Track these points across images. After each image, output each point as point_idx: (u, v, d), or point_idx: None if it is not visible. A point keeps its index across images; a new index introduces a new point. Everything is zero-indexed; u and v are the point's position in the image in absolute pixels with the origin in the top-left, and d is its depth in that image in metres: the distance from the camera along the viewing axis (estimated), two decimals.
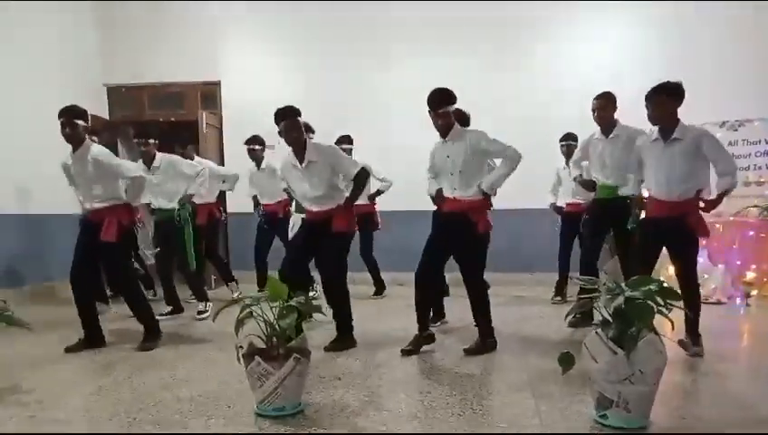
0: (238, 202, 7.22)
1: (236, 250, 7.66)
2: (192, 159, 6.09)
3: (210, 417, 2.83)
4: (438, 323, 4.74)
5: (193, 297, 5.78)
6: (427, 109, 3.87)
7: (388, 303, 6.16)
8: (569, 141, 5.91)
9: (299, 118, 4.07)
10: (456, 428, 2.65)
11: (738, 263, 6.09)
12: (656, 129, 3.88)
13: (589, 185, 4.91)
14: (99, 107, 7.84)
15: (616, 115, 4.62)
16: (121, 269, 4.40)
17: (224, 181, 6.40)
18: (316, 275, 4.98)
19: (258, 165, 6.17)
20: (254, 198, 6.30)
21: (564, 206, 6.13)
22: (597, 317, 2.72)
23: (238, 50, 7.91)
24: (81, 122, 4.12)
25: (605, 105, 4.57)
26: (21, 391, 3.28)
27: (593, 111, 4.62)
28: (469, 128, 4.17)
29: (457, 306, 4.90)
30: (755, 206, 6.27)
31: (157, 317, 5.01)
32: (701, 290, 4.94)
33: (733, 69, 6.80)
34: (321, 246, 4.21)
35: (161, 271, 5.52)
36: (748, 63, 6.82)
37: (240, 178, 6.37)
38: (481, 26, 7.33)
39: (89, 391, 3.26)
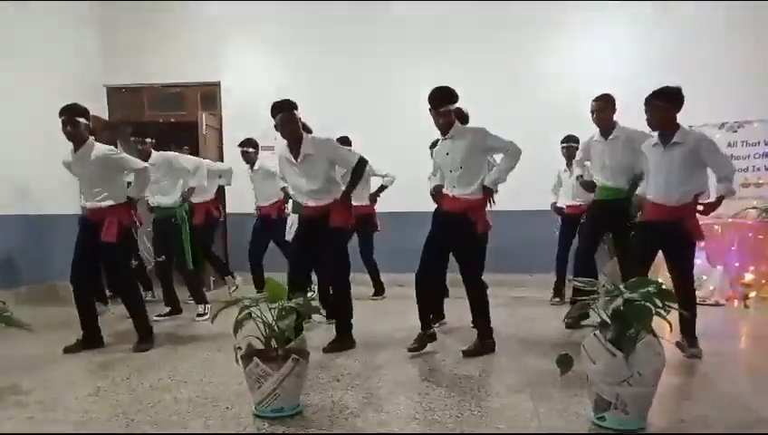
0: (237, 202, 7.24)
1: (235, 251, 7.65)
2: None
3: (209, 418, 2.83)
4: (438, 325, 4.73)
5: (192, 298, 5.78)
6: (428, 107, 3.88)
7: (387, 304, 6.16)
8: (570, 143, 5.91)
9: (295, 111, 4.06)
10: (455, 429, 2.65)
11: (737, 264, 6.09)
12: (656, 132, 3.90)
13: (589, 186, 4.93)
14: (99, 108, 7.83)
15: (615, 117, 4.63)
16: (121, 270, 4.40)
17: (220, 177, 6.40)
18: (313, 275, 4.99)
19: (251, 167, 6.18)
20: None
21: (564, 207, 6.14)
22: (593, 317, 2.72)
23: (238, 51, 7.92)
24: (82, 120, 4.12)
25: (604, 107, 4.58)
26: (20, 392, 3.28)
27: (592, 112, 4.64)
28: (469, 125, 4.18)
29: (457, 307, 4.90)
30: (754, 207, 6.28)
31: (155, 318, 5.05)
32: (699, 292, 4.98)
33: (732, 70, 6.80)
34: (320, 243, 4.19)
35: (160, 271, 5.53)
36: (747, 65, 6.82)
37: (239, 178, 6.37)
38: (481, 27, 7.33)
39: (87, 392, 3.26)
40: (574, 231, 5.88)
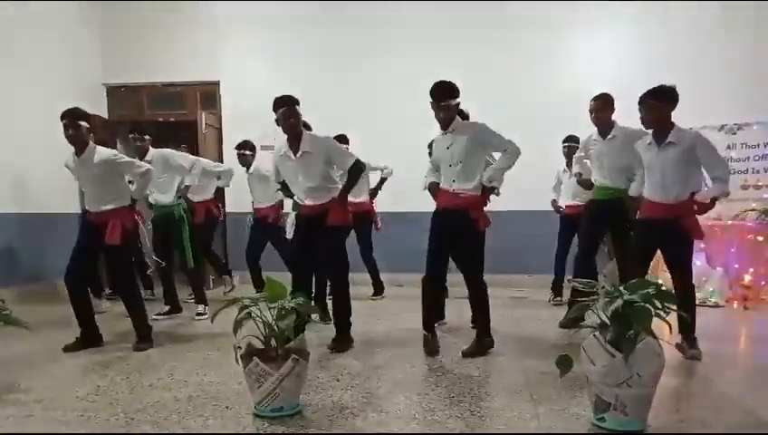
0: (236, 201, 7.23)
1: (234, 250, 7.64)
2: None
3: (208, 417, 2.83)
4: (437, 325, 4.73)
5: (191, 297, 5.78)
6: (430, 101, 3.88)
7: (387, 304, 6.16)
8: (570, 143, 5.91)
9: (297, 107, 4.07)
10: (455, 429, 2.65)
11: (736, 266, 6.10)
12: (649, 131, 3.91)
13: (587, 184, 4.93)
14: (98, 107, 7.83)
15: (614, 117, 4.63)
16: (124, 271, 4.41)
17: (218, 178, 6.39)
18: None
19: (247, 169, 6.18)
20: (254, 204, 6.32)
21: (564, 207, 6.14)
22: (592, 319, 2.72)
23: (238, 50, 7.91)
24: (84, 124, 4.13)
25: (602, 106, 4.59)
26: (19, 391, 3.28)
27: (591, 111, 4.64)
28: (470, 122, 4.18)
29: (456, 307, 4.90)
30: (753, 209, 6.28)
31: (154, 317, 5.05)
32: (699, 293, 4.98)
33: (732, 72, 6.81)
34: (318, 242, 4.19)
35: (160, 270, 5.53)
36: (747, 67, 6.83)
37: (239, 178, 6.37)
38: (482, 27, 7.34)
39: (87, 391, 3.26)
40: (573, 231, 5.88)
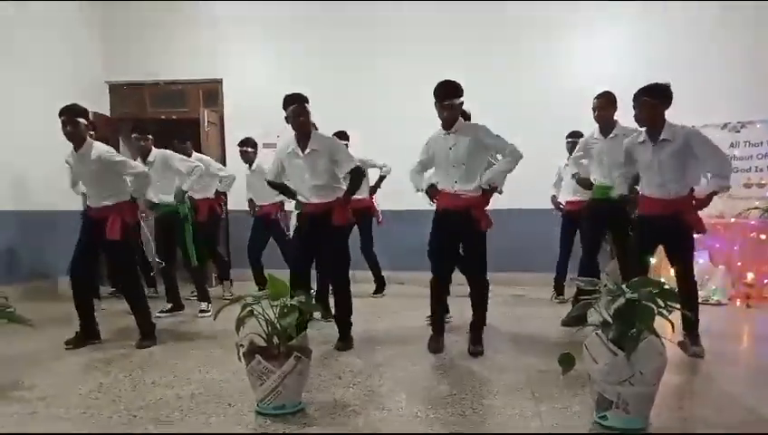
0: (239, 199, 7.23)
1: (237, 248, 7.65)
2: (190, 155, 6.09)
3: (211, 415, 2.84)
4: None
5: (194, 295, 5.79)
6: (434, 101, 3.87)
7: (388, 301, 6.16)
8: (575, 138, 5.85)
9: (307, 105, 4.08)
10: (457, 427, 2.66)
11: (739, 264, 6.09)
12: (643, 129, 3.91)
13: (586, 184, 4.91)
14: (100, 104, 7.84)
15: (615, 116, 4.62)
16: (125, 267, 4.41)
17: (220, 181, 6.39)
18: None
19: (249, 166, 6.18)
20: (250, 201, 6.31)
21: (564, 203, 6.12)
22: (595, 318, 2.72)
23: (240, 48, 7.90)
24: (82, 121, 4.14)
25: (605, 104, 4.58)
26: (23, 388, 3.29)
27: (594, 109, 4.63)
28: (472, 122, 4.17)
29: (458, 305, 4.90)
30: (756, 208, 6.26)
31: (157, 314, 5.06)
32: (702, 291, 4.98)
33: (734, 70, 6.78)
34: (323, 240, 4.19)
35: (163, 268, 5.54)
36: (750, 65, 6.80)
37: (238, 177, 6.38)
38: (482, 27, 7.32)
39: (90, 388, 3.27)
40: (575, 228, 5.88)
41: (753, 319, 5.40)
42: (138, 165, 4.53)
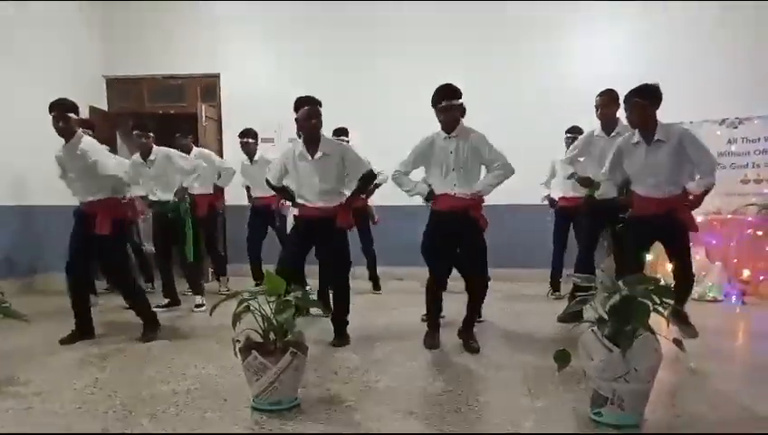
0: (236, 194, 7.22)
1: (234, 243, 7.64)
2: (191, 150, 6.09)
3: (206, 410, 2.84)
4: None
5: (189, 290, 5.79)
6: (440, 105, 3.83)
7: (385, 298, 6.17)
8: (575, 134, 5.83)
9: (320, 108, 4.06)
10: (453, 423, 2.66)
11: (735, 261, 6.11)
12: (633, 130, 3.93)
13: (587, 182, 4.89)
14: (98, 99, 7.82)
15: (617, 114, 4.61)
16: (116, 262, 4.39)
17: (219, 177, 6.39)
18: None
19: (251, 158, 6.16)
20: (248, 188, 6.30)
21: (557, 199, 6.10)
22: (590, 315, 2.73)
23: (238, 43, 7.89)
24: (73, 115, 4.13)
25: (608, 102, 4.57)
26: (18, 383, 3.28)
27: (596, 107, 4.61)
28: (471, 128, 4.14)
29: (454, 302, 4.89)
30: (753, 204, 6.28)
31: (153, 309, 5.06)
32: (698, 287, 5.00)
33: (732, 67, 6.78)
34: (324, 241, 4.19)
35: (160, 263, 5.53)
36: (748, 61, 6.80)
37: (238, 169, 6.38)
38: (482, 27, 7.32)
39: (85, 383, 3.26)
40: (569, 224, 5.88)
41: (749, 316, 5.42)
42: (112, 166, 4.37)
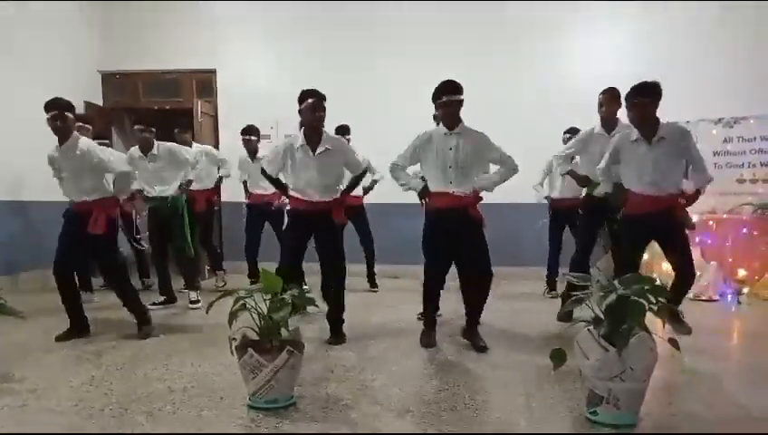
0: (233, 191, 7.21)
1: (230, 239, 7.63)
2: (191, 144, 6.09)
3: (203, 408, 2.84)
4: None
5: (185, 288, 5.77)
6: (442, 100, 3.83)
7: (382, 296, 6.17)
8: (573, 135, 5.85)
9: (325, 102, 4.06)
10: (449, 422, 2.67)
11: (731, 260, 6.12)
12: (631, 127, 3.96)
13: (584, 180, 4.88)
14: (93, 93, 7.78)
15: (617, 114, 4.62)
16: (111, 260, 4.38)
17: (219, 169, 6.39)
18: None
19: (253, 156, 6.13)
20: (245, 183, 6.28)
21: (553, 200, 6.08)
22: (585, 314, 2.73)
23: (234, 38, 7.85)
24: (70, 115, 4.11)
25: (610, 100, 4.55)
26: (13, 380, 3.27)
27: (600, 105, 4.59)
28: (474, 128, 4.14)
29: (450, 300, 4.90)
30: (749, 203, 6.29)
31: (149, 306, 5.06)
32: (693, 287, 5.00)
33: (729, 67, 6.79)
34: (324, 237, 4.20)
35: (156, 261, 5.52)
36: (745, 60, 6.81)
37: (233, 167, 6.37)
38: (482, 27, 7.31)
39: (81, 381, 3.26)
40: (564, 223, 5.88)
41: (744, 315, 5.44)
42: (119, 162, 4.42)
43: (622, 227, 4.22)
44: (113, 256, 4.38)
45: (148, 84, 8.13)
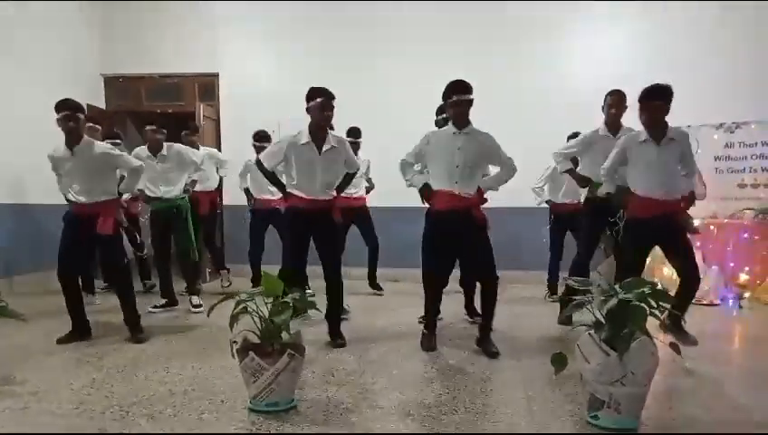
0: (235, 195, 7.22)
1: (232, 243, 7.63)
2: (198, 147, 6.13)
3: (203, 411, 2.84)
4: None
5: (186, 291, 5.76)
6: (452, 99, 3.84)
7: (382, 299, 6.16)
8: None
9: (334, 101, 4.09)
10: (449, 425, 2.67)
11: (732, 265, 6.12)
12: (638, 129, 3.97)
13: (584, 181, 4.85)
14: (95, 97, 7.81)
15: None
16: (117, 261, 4.39)
17: (218, 170, 6.41)
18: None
19: None
20: (246, 190, 6.28)
21: (554, 204, 6.09)
22: (586, 318, 2.73)
23: (237, 42, 7.87)
24: (82, 116, 4.15)
25: (618, 102, 4.54)
26: (14, 383, 3.28)
27: (609, 106, 4.56)
28: (481, 129, 4.13)
29: (451, 303, 4.91)
30: (750, 208, 6.29)
31: (150, 309, 5.08)
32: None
33: (730, 71, 6.80)
34: (325, 236, 4.20)
35: (158, 263, 5.52)
36: (745, 61, 6.82)
37: (234, 169, 6.37)
38: (482, 27, 7.32)
39: (82, 384, 3.26)
40: (566, 227, 5.88)
41: (745, 320, 5.43)
42: (134, 159, 4.57)
43: (625, 230, 4.21)
44: (119, 257, 4.40)
45: (150, 88, 8.15)
